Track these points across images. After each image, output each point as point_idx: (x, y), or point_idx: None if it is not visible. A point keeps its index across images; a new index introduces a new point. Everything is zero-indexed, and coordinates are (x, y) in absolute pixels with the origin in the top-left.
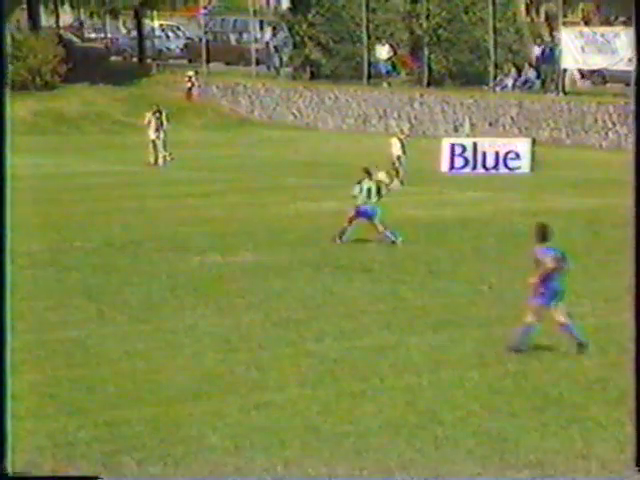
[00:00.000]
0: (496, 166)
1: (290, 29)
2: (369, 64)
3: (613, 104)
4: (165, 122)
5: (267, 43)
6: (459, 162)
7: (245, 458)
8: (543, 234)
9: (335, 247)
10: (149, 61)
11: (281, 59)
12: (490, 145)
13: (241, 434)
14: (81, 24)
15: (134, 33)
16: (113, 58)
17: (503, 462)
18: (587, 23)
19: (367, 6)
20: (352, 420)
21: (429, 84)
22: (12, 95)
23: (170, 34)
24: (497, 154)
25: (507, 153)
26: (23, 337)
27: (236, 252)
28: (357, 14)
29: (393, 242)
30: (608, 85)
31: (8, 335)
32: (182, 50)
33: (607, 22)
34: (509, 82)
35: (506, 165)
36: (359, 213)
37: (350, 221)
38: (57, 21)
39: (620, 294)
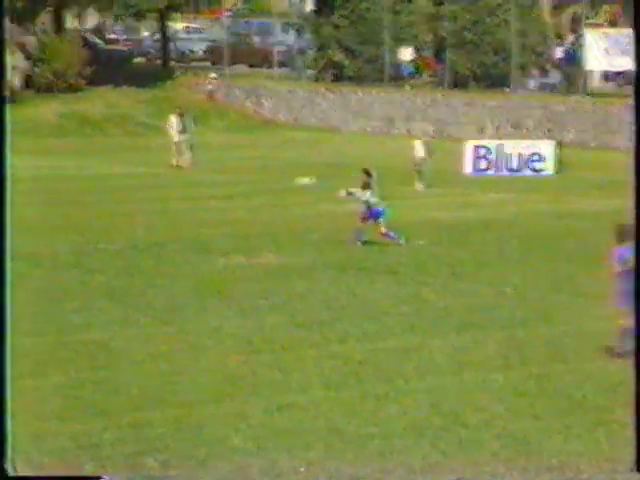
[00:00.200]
0: (520, 168)
1: (313, 31)
2: (391, 66)
3: None
4: (192, 124)
5: (290, 45)
6: (483, 164)
7: (268, 460)
8: (622, 234)
9: (358, 248)
10: (172, 63)
11: (304, 61)
12: (514, 147)
13: (264, 436)
14: (104, 27)
15: (157, 35)
16: (136, 60)
17: (527, 465)
18: (611, 25)
19: (390, 9)
20: (376, 422)
21: (454, 86)
22: (37, 97)
23: (193, 36)
24: (521, 156)
25: (531, 155)
26: (48, 339)
27: (259, 253)
28: (381, 16)
29: (399, 244)
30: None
31: (8, 335)
32: (205, 52)
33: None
34: (533, 84)
35: (530, 167)
36: (371, 213)
37: (364, 220)
38: (81, 24)
39: None
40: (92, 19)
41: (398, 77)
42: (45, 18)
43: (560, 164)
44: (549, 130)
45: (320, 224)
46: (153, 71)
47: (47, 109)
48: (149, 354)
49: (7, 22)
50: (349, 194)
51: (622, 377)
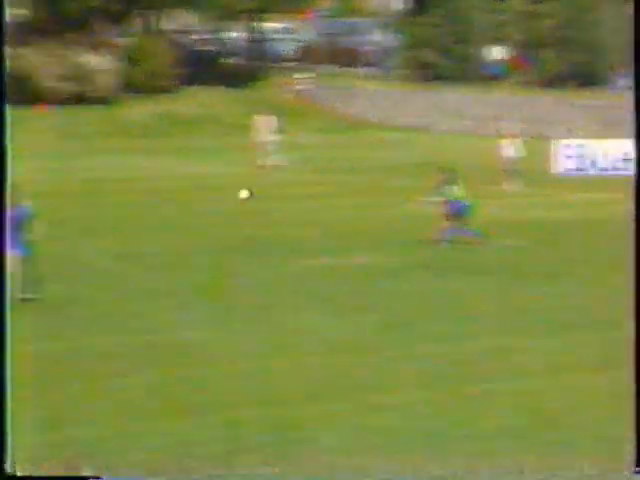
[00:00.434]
0: (609, 168)
1: (405, 31)
2: (482, 65)
3: None
4: (280, 125)
5: (380, 45)
6: (571, 163)
7: (360, 459)
8: None
9: (445, 248)
10: (263, 63)
11: (394, 60)
12: (604, 147)
13: (356, 436)
14: (194, 27)
15: (247, 35)
16: (226, 60)
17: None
18: None
19: (485, 8)
20: (469, 423)
21: (547, 85)
22: (130, 98)
23: (284, 36)
24: (611, 156)
25: (621, 155)
26: (143, 337)
27: (349, 254)
28: (473, 15)
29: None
30: None
31: (8, 335)
32: (295, 52)
33: None
34: (624, 83)
35: (620, 167)
36: (454, 209)
37: (449, 219)
38: (171, 25)
39: None
40: (181, 20)
41: (486, 76)
42: (137, 20)
43: None
44: None
45: (410, 224)
46: (243, 71)
47: (141, 110)
48: (242, 353)
49: (102, 24)
50: (430, 203)
51: None
